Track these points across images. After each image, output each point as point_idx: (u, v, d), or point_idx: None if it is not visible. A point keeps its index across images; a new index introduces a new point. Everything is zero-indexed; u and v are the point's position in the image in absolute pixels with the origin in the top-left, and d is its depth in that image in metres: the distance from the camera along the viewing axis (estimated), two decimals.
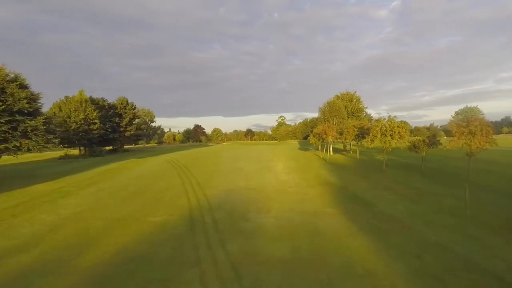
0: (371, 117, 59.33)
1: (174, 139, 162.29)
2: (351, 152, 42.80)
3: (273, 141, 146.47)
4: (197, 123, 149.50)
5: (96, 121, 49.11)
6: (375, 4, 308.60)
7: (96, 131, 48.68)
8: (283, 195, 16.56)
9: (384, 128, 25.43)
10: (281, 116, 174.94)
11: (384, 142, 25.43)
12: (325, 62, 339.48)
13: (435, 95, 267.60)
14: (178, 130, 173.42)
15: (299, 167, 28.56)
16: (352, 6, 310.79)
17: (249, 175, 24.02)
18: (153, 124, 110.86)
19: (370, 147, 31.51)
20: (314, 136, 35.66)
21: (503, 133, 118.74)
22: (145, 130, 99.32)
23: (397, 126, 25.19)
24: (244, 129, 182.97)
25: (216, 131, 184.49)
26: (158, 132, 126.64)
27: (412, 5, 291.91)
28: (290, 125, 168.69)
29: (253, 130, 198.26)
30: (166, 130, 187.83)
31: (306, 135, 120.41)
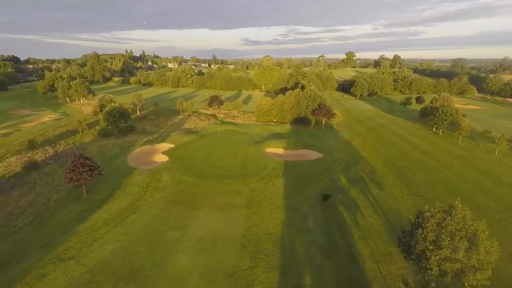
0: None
1: None
2: None
3: (252, 124, 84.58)
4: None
5: None
6: None
7: None
8: None
9: None
10: (266, 56, 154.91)
11: None
12: None
13: (438, 9, 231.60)
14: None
15: None
16: None
17: None
18: None
19: None
20: None
21: None
22: None
23: None
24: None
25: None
26: None
27: None
28: (276, 70, 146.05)
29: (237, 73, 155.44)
30: None
31: (298, 117, 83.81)
